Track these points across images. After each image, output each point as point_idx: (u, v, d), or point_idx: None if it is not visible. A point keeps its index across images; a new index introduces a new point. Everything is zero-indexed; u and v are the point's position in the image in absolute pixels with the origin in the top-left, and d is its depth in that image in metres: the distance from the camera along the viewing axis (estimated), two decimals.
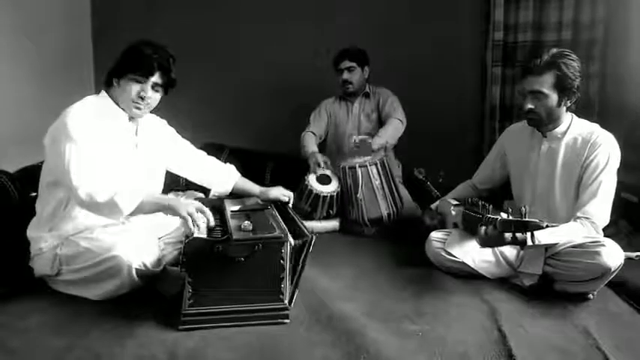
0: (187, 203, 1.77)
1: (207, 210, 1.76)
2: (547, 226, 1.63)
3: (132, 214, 1.76)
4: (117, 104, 1.91)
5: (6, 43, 2.85)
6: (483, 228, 1.82)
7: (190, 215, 1.70)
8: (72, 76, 3.47)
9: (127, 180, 1.85)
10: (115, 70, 1.88)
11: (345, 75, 3.08)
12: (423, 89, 3.42)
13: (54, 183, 1.84)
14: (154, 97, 1.91)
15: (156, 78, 1.87)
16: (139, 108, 1.89)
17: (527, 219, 1.65)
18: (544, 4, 3.17)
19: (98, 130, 1.81)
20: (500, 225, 1.72)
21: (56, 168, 1.79)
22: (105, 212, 1.75)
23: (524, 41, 3.22)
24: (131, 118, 1.95)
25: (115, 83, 1.89)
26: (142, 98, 1.87)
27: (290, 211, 2.07)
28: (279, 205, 2.13)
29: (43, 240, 1.85)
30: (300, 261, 1.72)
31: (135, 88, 1.86)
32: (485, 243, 1.86)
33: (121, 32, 3.42)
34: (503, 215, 1.76)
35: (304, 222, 2.64)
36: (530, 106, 2.01)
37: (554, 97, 1.98)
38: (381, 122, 3.11)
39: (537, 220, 1.63)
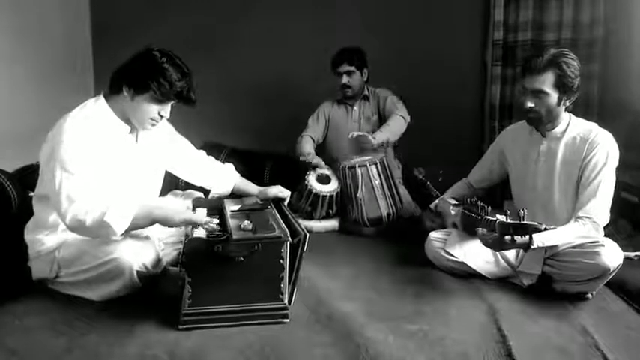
0: (180, 212, 1.76)
1: (197, 221, 1.73)
2: (545, 229, 1.65)
3: (125, 232, 1.71)
4: (116, 114, 1.83)
5: (4, 43, 2.84)
6: (480, 230, 1.84)
7: (186, 221, 1.71)
8: (71, 76, 3.46)
9: (126, 192, 1.83)
10: (132, 81, 1.76)
11: (345, 79, 3.03)
12: (422, 89, 3.40)
13: (46, 196, 1.78)
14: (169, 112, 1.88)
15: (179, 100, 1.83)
16: (154, 125, 1.87)
17: (525, 222, 1.66)
18: (544, 4, 3.17)
19: (96, 149, 1.74)
20: (499, 227, 1.73)
21: (48, 186, 1.73)
22: (96, 234, 1.70)
23: (524, 41, 3.22)
24: (133, 129, 1.89)
25: (125, 92, 1.77)
26: (161, 117, 1.84)
27: (285, 208, 2.06)
28: (276, 202, 2.12)
29: (41, 243, 1.83)
30: (296, 259, 1.72)
31: (155, 108, 1.80)
32: (489, 246, 1.87)
33: (121, 32, 3.47)
34: (501, 217, 1.76)
35: (304, 222, 2.69)
36: (530, 104, 2.00)
37: (554, 96, 1.97)
38: (382, 124, 3.04)
39: (536, 223, 1.65)
